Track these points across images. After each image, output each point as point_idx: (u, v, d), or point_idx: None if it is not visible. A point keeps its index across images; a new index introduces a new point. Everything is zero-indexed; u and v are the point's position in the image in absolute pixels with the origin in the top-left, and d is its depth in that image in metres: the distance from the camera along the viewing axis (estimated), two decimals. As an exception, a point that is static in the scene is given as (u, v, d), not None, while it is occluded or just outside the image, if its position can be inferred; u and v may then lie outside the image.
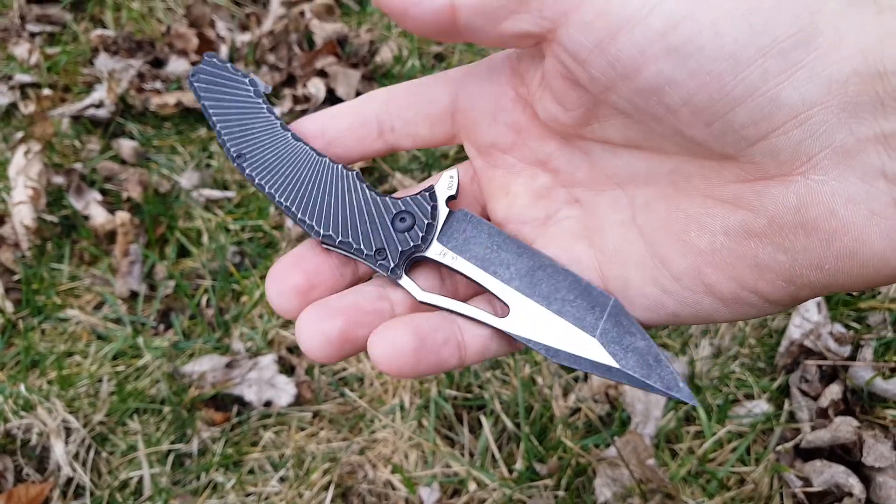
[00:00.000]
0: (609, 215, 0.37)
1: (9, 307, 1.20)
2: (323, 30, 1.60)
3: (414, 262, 0.40)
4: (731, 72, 0.27)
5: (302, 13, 1.66)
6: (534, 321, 0.37)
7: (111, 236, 1.28)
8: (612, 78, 0.30)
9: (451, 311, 0.38)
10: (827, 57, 0.25)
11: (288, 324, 1.20)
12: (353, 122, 0.40)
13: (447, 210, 0.39)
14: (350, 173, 0.40)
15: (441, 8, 0.32)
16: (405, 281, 0.39)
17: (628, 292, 0.36)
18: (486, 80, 0.38)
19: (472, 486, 0.98)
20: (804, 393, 1.06)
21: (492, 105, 0.38)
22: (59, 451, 1.02)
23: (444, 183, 0.39)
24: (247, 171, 0.40)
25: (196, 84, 0.41)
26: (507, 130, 0.38)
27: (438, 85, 0.40)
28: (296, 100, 1.49)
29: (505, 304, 0.38)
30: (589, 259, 0.38)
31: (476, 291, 0.41)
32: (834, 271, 0.29)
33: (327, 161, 0.40)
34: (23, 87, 1.59)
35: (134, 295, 1.23)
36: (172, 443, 1.05)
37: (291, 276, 0.38)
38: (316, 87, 1.47)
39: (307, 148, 0.40)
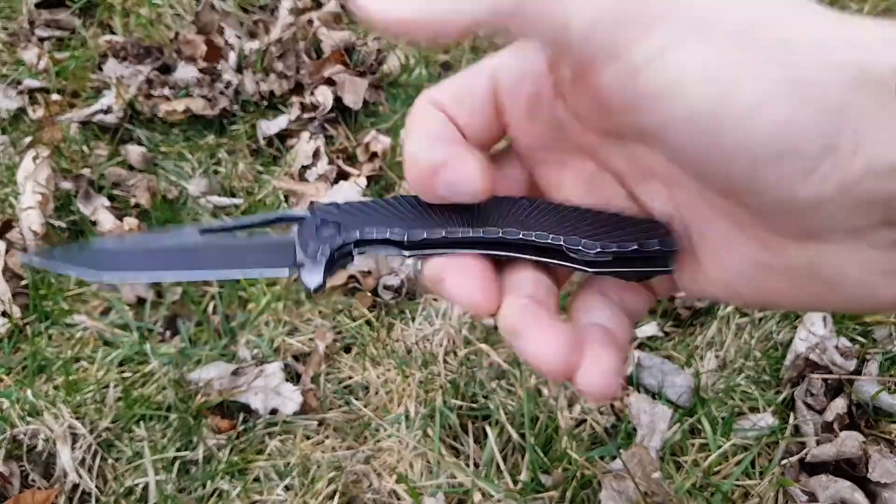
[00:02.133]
0: (653, 206, 0.36)
1: (16, 312, 1.21)
2: (331, 38, 1.61)
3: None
4: (748, 169, 0.26)
5: (310, 21, 1.67)
6: None
7: (119, 242, 1.29)
8: (634, 134, 0.30)
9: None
10: (845, 162, 0.25)
11: (294, 331, 1.20)
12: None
13: None
14: None
15: None
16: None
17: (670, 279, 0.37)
18: (524, 73, 0.35)
19: (477, 497, 0.98)
20: (809, 407, 1.06)
21: (532, 101, 0.37)
22: (65, 457, 1.03)
23: None
24: None
25: None
26: (548, 127, 0.37)
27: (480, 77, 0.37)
28: (303, 107, 1.50)
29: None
30: None
31: None
32: (845, 307, 0.31)
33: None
34: (31, 92, 1.60)
35: (141, 301, 1.24)
36: (178, 450, 1.05)
37: None
38: (324, 96, 1.48)
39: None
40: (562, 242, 0.33)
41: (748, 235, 0.31)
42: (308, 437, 1.08)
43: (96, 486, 1.02)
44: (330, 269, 0.35)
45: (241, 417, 1.09)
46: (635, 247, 0.33)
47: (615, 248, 0.33)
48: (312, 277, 0.34)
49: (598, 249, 0.33)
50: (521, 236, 0.33)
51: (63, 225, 1.31)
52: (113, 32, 1.76)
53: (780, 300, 0.32)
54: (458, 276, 0.34)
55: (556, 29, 0.26)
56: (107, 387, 1.12)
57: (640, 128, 0.27)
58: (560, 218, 0.34)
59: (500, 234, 0.34)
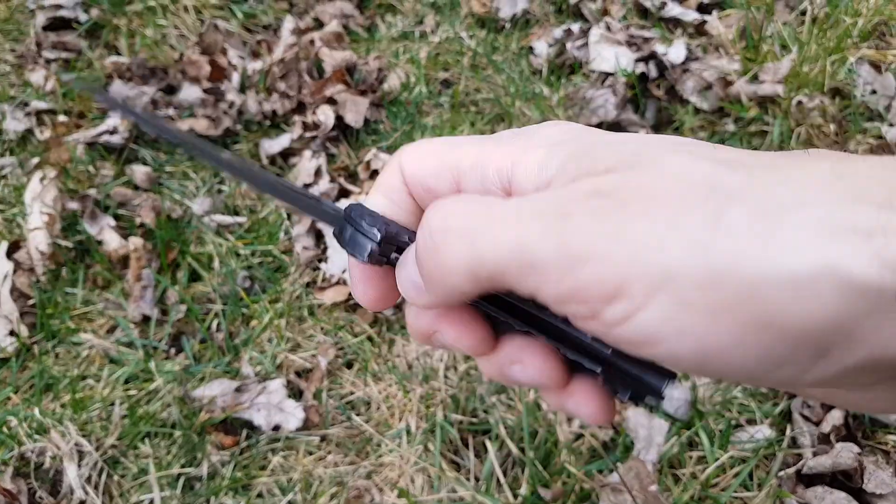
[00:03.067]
0: None
1: (24, 331, 1.23)
2: (332, 58, 1.64)
3: None
4: (744, 379, 0.27)
5: (312, 41, 1.70)
6: None
7: (124, 261, 1.31)
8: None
9: None
10: (845, 353, 0.25)
11: (296, 347, 1.22)
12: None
13: None
14: None
15: None
16: None
17: None
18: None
19: (477, 511, 1.00)
20: (806, 418, 1.07)
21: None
22: (71, 475, 1.04)
23: None
24: None
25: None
26: None
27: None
28: (305, 126, 1.52)
29: None
30: None
31: None
32: None
33: None
34: (39, 114, 1.63)
35: (146, 319, 1.26)
36: (183, 466, 1.07)
37: None
38: (325, 115, 1.51)
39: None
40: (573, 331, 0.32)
41: None
42: (310, 453, 1.09)
43: (102, 503, 1.03)
44: (379, 246, 0.35)
45: (244, 434, 1.11)
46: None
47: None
48: (365, 242, 0.35)
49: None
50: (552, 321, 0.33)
51: (70, 245, 1.33)
52: (119, 53, 1.79)
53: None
54: (452, 331, 0.35)
55: (531, 294, 0.28)
56: (112, 404, 1.13)
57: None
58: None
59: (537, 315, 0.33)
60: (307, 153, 1.47)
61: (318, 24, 1.82)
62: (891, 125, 1.50)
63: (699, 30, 1.77)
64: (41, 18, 1.82)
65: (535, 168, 0.31)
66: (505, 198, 0.30)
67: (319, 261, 1.31)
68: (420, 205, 0.36)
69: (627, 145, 0.29)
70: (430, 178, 0.34)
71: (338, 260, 1.29)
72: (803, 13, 1.76)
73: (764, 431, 1.07)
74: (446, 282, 0.30)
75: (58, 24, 1.82)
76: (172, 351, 1.23)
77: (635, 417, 1.05)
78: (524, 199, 0.29)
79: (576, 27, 1.77)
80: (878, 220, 0.23)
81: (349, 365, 1.20)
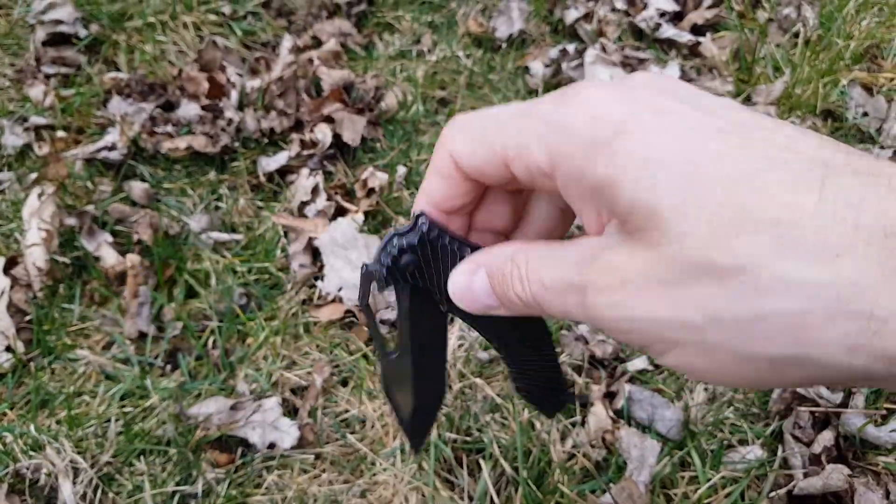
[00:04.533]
0: None
1: (20, 347, 1.23)
2: (330, 76, 1.65)
3: None
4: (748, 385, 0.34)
5: (310, 60, 1.71)
6: None
7: (121, 278, 1.32)
8: None
9: None
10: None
11: (292, 365, 1.22)
12: None
13: None
14: None
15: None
16: None
17: None
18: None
19: (471, 530, 1.00)
20: (797, 439, 1.08)
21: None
22: (66, 492, 1.05)
23: None
24: None
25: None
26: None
27: None
28: (303, 144, 1.54)
29: None
30: None
31: None
32: None
33: None
34: (37, 129, 1.64)
35: (142, 336, 1.26)
36: (177, 484, 1.07)
37: None
38: (323, 133, 1.52)
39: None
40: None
41: None
42: (305, 471, 1.09)
43: (97, 520, 1.04)
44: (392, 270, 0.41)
45: (239, 452, 1.11)
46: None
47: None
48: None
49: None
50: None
51: (67, 261, 1.34)
52: (118, 69, 1.80)
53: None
54: None
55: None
56: (108, 421, 1.14)
57: None
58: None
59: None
60: (304, 171, 1.48)
61: (317, 42, 1.84)
62: (882, 147, 1.51)
63: (693, 51, 1.79)
64: (41, 33, 1.83)
65: (574, 182, 0.33)
66: (551, 184, 0.35)
67: (316, 278, 1.32)
68: (475, 179, 0.39)
69: (643, 199, 0.30)
70: (485, 166, 0.37)
71: (334, 278, 1.30)
72: (796, 35, 1.78)
73: (755, 452, 1.07)
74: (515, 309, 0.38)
75: (57, 40, 1.83)
76: (168, 368, 1.23)
77: (628, 438, 1.06)
78: (561, 269, 0.35)
79: (571, 48, 1.79)
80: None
81: (344, 383, 1.21)
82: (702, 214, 0.28)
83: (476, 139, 0.36)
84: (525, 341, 0.46)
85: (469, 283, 0.39)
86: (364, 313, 0.43)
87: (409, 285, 0.41)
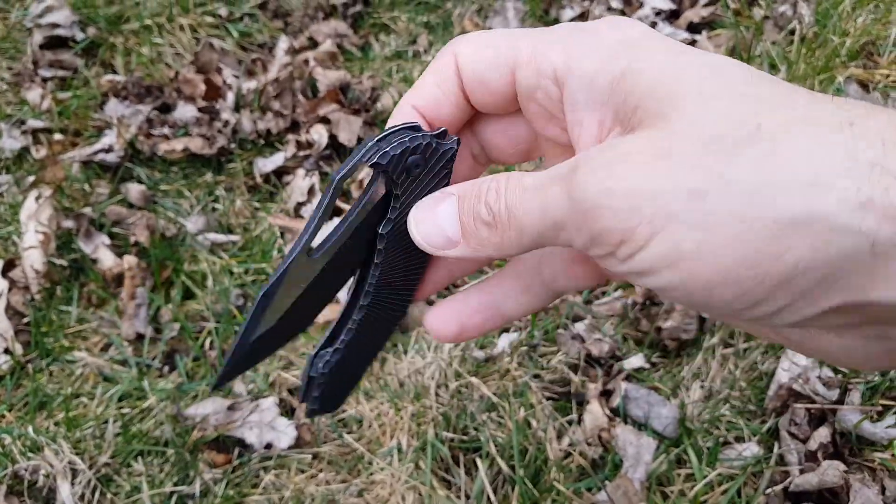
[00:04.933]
0: None
1: (18, 349, 1.24)
2: (326, 77, 1.66)
3: None
4: (729, 315, 0.30)
5: (306, 61, 1.72)
6: None
7: (119, 279, 1.32)
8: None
9: None
10: (815, 298, 0.27)
11: (288, 365, 1.23)
12: None
13: None
14: None
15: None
16: None
17: None
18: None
19: (468, 529, 1.00)
20: (794, 436, 1.08)
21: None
22: (64, 493, 1.05)
23: None
24: None
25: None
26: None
27: None
28: (299, 145, 1.54)
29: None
30: None
31: None
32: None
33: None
34: (35, 132, 1.64)
35: (140, 337, 1.27)
36: (175, 484, 1.08)
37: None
38: (319, 134, 1.52)
39: None
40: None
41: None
42: (302, 471, 1.10)
43: (95, 521, 1.04)
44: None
45: (236, 452, 1.11)
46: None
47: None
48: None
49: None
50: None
51: (64, 263, 1.34)
52: (115, 72, 1.80)
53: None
54: None
55: (569, 244, 0.32)
56: (106, 422, 1.14)
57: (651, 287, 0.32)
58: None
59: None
60: (301, 172, 1.48)
61: (313, 43, 1.84)
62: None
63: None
64: (38, 37, 1.83)
65: (587, 82, 0.33)
66: (556, 93, 0.34)
67: (312, 279, 1.32)
68: (469, 98, 0.38)
69: (665, 83, 0.30)
70: (487, 70, 0.36)
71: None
72: (792, 33, 1.78)
73: (752, 449, 1.08)
74: (503, 249, 0.35)
75: (54, 43, 1.84)
76: (166, 369, 1.24)
77: (624, 435, 1.06)
78: (547, 172, 0.32)
79: (567, 46, 1.79)
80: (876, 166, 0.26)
81: (341, 383, 1.21)
82: (724, 96, 0.29)
83: (486, 44, 0.36)
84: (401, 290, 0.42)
85: (434, 206, 0.37)
86: (332, 190, 0.36)
87: (386, 188, 0.37)
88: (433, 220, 0.36)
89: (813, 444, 1.05)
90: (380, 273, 0.40)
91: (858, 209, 0.25)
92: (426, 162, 0.37)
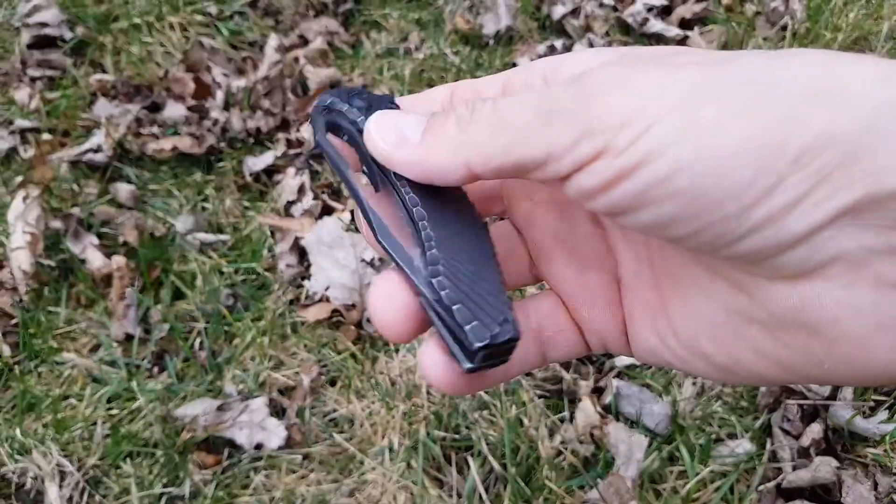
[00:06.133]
0: (625, 245, 0.36)
1: (6, 351, 1.23)
2: (317, 75, 1.65)
3: None
4: (736, 215, 0.26)
5: (297, 59, 1.71)
6: None
7: (108, 280, 1.31)
8: (615, 214, 0.29)
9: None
10: (835, 186, 0.25)
11: (279, 365, 1.22)
12: None
13: None
14: None
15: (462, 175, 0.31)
16: None
17: (632, 327, 0.36)
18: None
19: (459, 528, 1.00)
20: (786, 432, 1.08)
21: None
22: (53, 495, 1.04)
23: None
24: None
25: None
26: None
27: None
28: (289, 144, 1.53)
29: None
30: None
31: None
32: (833, 371, 0.29)
33: None
34: (23, 132, 1.63)
35: (129, 338, 1.26)
36: (165, 486, 1.07)
37: None
38: (309, 132, 1.51)
39: None
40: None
41: (723, 279, 0.31)
42: (293, 472, 1.09)
43: (83, 524, 1.03)
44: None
45: (226, 453, 1.10)
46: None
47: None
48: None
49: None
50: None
51: (53, 264, 1.33)
52: (104, 71, 1.79)
53: (751, 361, 0.31)
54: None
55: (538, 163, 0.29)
56: (95, 424, 1.13)
57: (647, 222, 0.28)
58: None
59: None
60: (291, 170, 1.48)
61: (303, 41, 1.83)
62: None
63: (681, 45, 1.79)
64: (26, 36, 1.82)
65: (580, 63, 0.32)
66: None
67: (303, 278, 1.32)
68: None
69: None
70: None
71: (321, 277, 1.29)
72: (784, 28, 1.78)
73: (744, 445, 1.07)
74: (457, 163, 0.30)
75: (43, 42, 1.82)
76: (155, 370, 1.23)
77: (616, 433, 1.06)
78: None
79: (559, 43, 1.78)
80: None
81: (332, 382, 1.20)
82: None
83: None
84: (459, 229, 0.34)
85: (405, 113, 0.34)
86: (328, 155, 0.36)
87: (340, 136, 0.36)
88: (395, 121, 0.33)
89: (805, 441, 1.05)
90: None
91: (882, 80, 0.25)
92: (360, 94, 0.36)
